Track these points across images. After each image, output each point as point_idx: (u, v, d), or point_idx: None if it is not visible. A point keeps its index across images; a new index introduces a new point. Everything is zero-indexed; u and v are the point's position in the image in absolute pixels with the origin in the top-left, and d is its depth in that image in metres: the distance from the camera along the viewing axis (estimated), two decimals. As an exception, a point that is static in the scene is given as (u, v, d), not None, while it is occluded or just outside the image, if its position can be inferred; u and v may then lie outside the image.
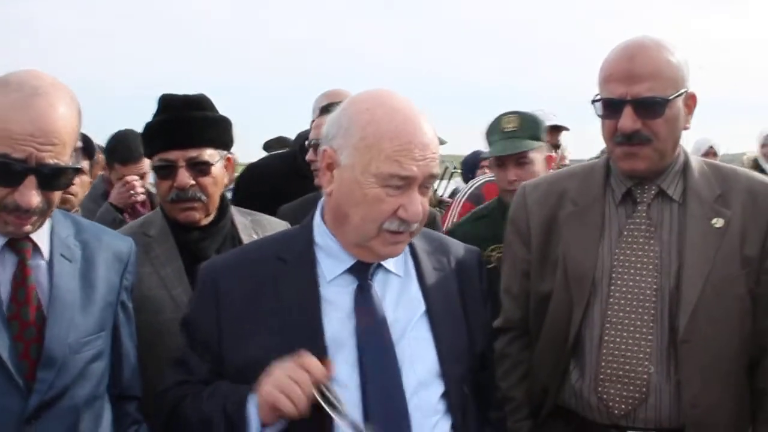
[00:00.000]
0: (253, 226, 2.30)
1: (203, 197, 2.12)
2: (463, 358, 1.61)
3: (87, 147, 2.70)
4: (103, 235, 1.83)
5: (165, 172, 2.13)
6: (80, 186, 2.72)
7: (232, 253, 1.87)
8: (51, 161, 1.53)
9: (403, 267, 1.63)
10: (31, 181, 1.51)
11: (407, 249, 1.64)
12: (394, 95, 1.56)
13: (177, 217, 2.15)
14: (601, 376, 1.81)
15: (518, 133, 2.81)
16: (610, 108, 1.81)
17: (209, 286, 1.63)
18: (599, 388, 1.81)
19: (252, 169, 3.65)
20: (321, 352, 1.49)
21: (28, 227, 1.57)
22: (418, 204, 1.49)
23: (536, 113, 3.02)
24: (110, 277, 1.76)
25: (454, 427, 1.57)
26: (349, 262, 1.58)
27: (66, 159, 1.57)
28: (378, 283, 1.60)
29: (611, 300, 1.82)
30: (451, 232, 2.64)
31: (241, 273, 1.62)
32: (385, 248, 1.54)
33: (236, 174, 3.39)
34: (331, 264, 1.58)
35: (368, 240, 1.53)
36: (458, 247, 1.76)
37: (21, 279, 1.60)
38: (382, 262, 1.60)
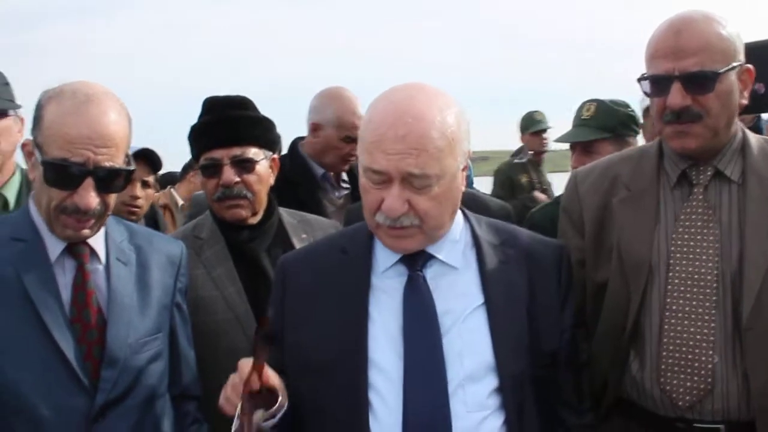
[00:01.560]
0: (302, 226, 2.38)
1: (249, 194, 2.20)
2: (524, 355, 1.58)
3: (153, 160, 2.78)
4: (155, 239, 1.93)
5: (211, 170, 2.22)
6: (145, 199, 2.81)
7: (305, 246, 1.99)
8: (107, 164, 1.64)
9: (460, 259, 1.64)
10: (89, 183, 1.62)
11: (470, 240, 1.66)
12: (406, 88, 1.56)
13: (224, 216, 2.23)
14: (663, 366, 1.80)
15: (590, 122, 2.86)
16: (658, 85, 1.80)
17: (279, 275, 1.73)
18: (662, 379, 1.80)
19: None
20: (363, 340, 1.54)
21: (87, 231, 1.68)
22: (393, 199, 1.48)
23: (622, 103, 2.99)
24: (164, 279, 1.86)
25: (506, 424, 1.54)
26: (397, 255, 1.61)
27: (120, 162, 1.68)
28: (430, 274, 1.61)
29: (670, 287, 1.81)
30: (532, 216, 2.62)
31: (308, 262, 1.71)
32: (387, 241, 1.57)
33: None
34: (385, 255, 1.63)
35: (374, 232, 1.59)
36: (534, 241, 1.72)
37: (81, 283, 1.71)
38: (435, 254, 1.61)
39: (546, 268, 1.67)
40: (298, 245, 2.24)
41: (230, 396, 1.46)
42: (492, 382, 1.55)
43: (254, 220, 2.26)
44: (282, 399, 1.45)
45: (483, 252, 1.64)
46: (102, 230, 1.76)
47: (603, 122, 2.83)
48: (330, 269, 1.66)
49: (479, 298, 1.60)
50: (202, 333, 2.04)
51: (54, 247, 1.69)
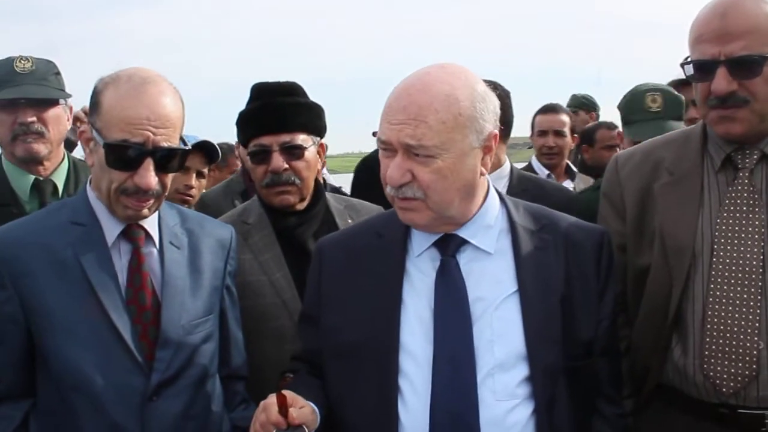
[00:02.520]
0: (348, 212, 2.42)
1: (297, 181, 2.26)
2: (557, 345, 1.58)
3: (209, 152, 2.86)
4: (206, 223, 2.02)
5: (259, 157, 2.28)
6: (198, 189, 2.91)
7: (341, 230, 2.05)
8: (165, 144, 1.73)
9: (495, 244, 1.64)
10: (149, 163, 1.71)
11: (505, 226, 1.67)
12: (431, 66, 1.59)
13: (272, 202, 2.30)
14: (707, 353, 1.80)
15: (662, 114, 2.79)
16: (702, 70, 1.78)
17: (317, 257, 1.79)
18: (705, 365, 1.80)
19: (366, 161, 3.84)
20: (395, 324, 1.58)
21: (146, 210, 1.78)
22: (394, 168, 1.52)
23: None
24: (215, 263, 1.94)
25: (536, 414, 1.55)
26: (434, 237, 1.64)
27: (176, 143, 1.77)
28: (464, 260, 1.63)
29: (714, 273, 1.81)
30: (576, 198, 2.60)
31: (344, 245, 1.76)
32: (399, 213, 1.60)
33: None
34: (420, 239, 1.66)
35: (393, 204, 1.62)
36: (575, 227, 1.71)
37: (136, 266, 1.81)
38: (469, 238, 1.63)
39: (586, 254, 1.66)
40: (345, 231, 2.29)
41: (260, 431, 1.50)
42: (522, 371, 1.56)
43: (301, 206, 2.32)
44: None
45: (519, 238, 1.64)
46: (156, 214, 1.85)
47: (675, 113, 2.77)
48: (365, 252, 1.70)
49: (512, 286, 1.61)
50: (249, 317, 2.12)
51: (111, 230, 1.79)
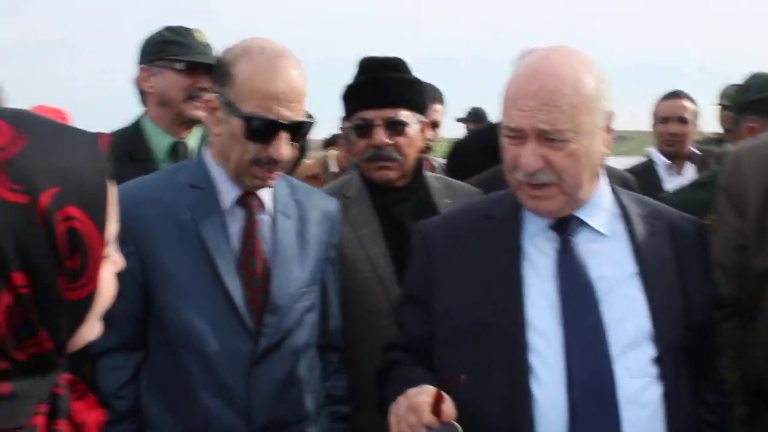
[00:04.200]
0: (447, 191, 2.43)
1: (398, 157, 2.28)
2: (679, 325, 1.61)
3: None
4: (313, 195, 2.07)
5: (362, 130, 2.31)
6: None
7: (444, 214, 2.07)
8: (297, 117, 1.79)
9: (608, 227, 1.67)
10: (284, 136, 1.77)
11: (618, 211, 1.69)
12: (544, 50, 1.62)
13: (372, 176, 2.33)
14: None
15: None
16: None
17: (422, 240, 1.80)
18: None
19: (459, 146, 3.86)
20: (520, 302, 1.59)
21: (273, 180, 1.84)
22: (528, 155, 1.54)
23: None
24: (320, 234, 1.99)
25: (666, 395, 1.57)
26: (546, 218, 1.66)
27: (304, 115, 1.82)
28: (581, 240, 1.65)
29: None
30: (664, 199, 2.56)
31: (451, 228, 1.78)
32: (528, 202, 1.62)
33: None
34: (534, 220, 1.67)
35: (516, 193, 1.64)
36: (673, 215, 1.75)
37: (250, 232, 1.86)
38: (585, 219, 1.65)
39: (689, 243, 1.70)
40: (442, 210, 2.31)
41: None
42: (650, 349, 1.58)
43: (401, 183, 2.34)
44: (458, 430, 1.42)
45: (632, 221, 1.67)
46: None
47: None
48: (477, 235, 1.71)
49: (632, 266, 1.63)
50: (345, 289, 2.16)
51: (227, 196, 1.84)
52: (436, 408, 1.39)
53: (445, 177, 2.56)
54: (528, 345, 1.57)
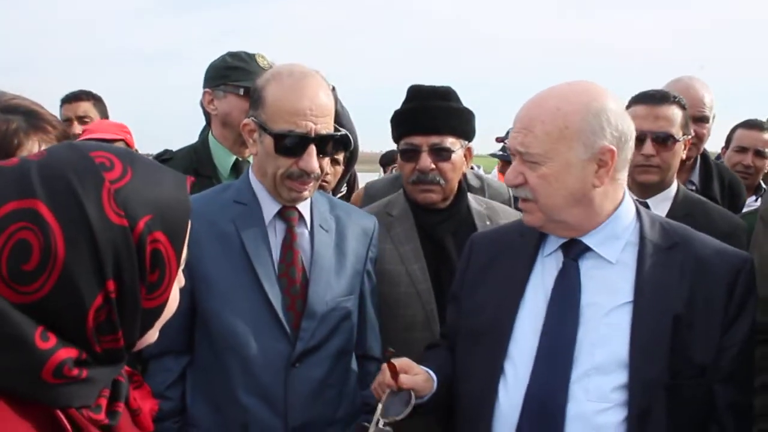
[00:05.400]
0: (488, 213, 2.55)
1: (442, 181, 2.42)
2: (663, 361, 1.63)
3: (343, 141, 3.02)
4: (353, 212, 2.23)
5: (409, 155, 2.45)
6: (333, 176, 3.09)
7: (494, 227, 2.26)
8: (324, 131, 1.95)
9: (618, 255, 1.74)
10: (312, 149, 1.94)
11: (635, 240, 1.75)
12: (560, 83, 1.77)
13: (416, 198, 2.47)
14: None
15: None
16: None
17: (467, 247, 2.02)
18: None
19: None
20: (512, 314, 1.77)
21: (306, 192, 2.00)
22: (509, 171, 1.75)
23: None
24: (358, 248, 2.14)
25: (627, 421, 1.62)
26: (562, 240, 1.78)
27: (332, 129, 1.99)
28: (586, 265, 1.75)
29: None
30: (740, 226, 2.54)
31: (492, 240, 1.99)
32: (522, 216, 1.82)
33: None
34: (552, 241, 1.81)
35: None
36: (711, 250, 1.74)
37: (289, 243, 2.02)
38: (592, 246, 1.74)
39: (716, 279, 1.69)
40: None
41: (377, 389, 1.80)
42: (620, 378, 1.64)
43: (444, 205, 2.48)
44: (413, 400, 1.75)
45: (644, 252, 1.72)
46: (308, 199, 2.05)
47: None
48: (507, 249, 1.89)
49: (628, 296, 1.69)
50: (384, 303, 2.30)
51: (269, 210, 2.01)
52: (394, 376, 1.72)
53: (488, 200, 2.67)
54: (507, 353, 1.74)
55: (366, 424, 1.74)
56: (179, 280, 1.14)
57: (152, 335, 1.13)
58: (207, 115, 2.83)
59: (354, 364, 2.13)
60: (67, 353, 0.97)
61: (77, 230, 0.96)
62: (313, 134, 1.92)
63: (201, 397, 1.98)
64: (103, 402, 1.03)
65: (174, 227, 1.06)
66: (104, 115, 4.13)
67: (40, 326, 0.95)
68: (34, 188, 0.95)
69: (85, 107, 4.10)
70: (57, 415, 0.97)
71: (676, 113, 2.54)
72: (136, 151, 3.52)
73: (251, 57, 2.78)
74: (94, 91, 4.20)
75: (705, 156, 3.35)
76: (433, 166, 2.40)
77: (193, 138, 2.92)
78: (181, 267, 1.11)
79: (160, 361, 2.00)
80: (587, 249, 1.75)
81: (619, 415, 1.63)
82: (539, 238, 1.82)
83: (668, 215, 2.45)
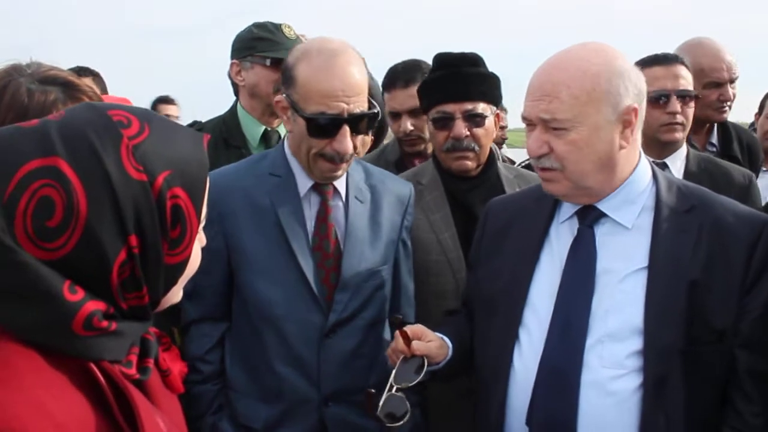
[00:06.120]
0: (518, 181, 2.55)
1: (476, 147, 2.42)
2: (679, 326, 1.61)
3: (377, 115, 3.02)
4: (387, 179, 2.23)
5: (442, 123, 2.44)
6: (362, 145, 3.09)
7: (510, 193, 2.27)
8: (357, 110, 1.92)
9: (634, 220, 1.72)
10: (345, 130, 1.92)
11: (650, 204, 1.72)
12: (572, 46, 1.73)
13: (450, 166, 2.47)
14: None
15: None
16: None
17: (483, 216, 2.03)
18: None
19: None
20: (527, 280, 1.77)
21: (340, 171, 2.01)
22: (532, 140, 1.70)
23: None
24: (393, 217, 2.15)
25: (643, 388, 1.61)
26: (577, 206, 1.77)
27: (365, 106, 1.96)
28: (601, 231, 1.73)
29: None
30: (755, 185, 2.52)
31: (508, 206, 1.98)
32: (543, 184, 1.76)
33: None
34: (566, 207, 1.80)
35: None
36: (731, 213, 1.70)
37: (323, 216, 2.05)
38: (608, 212, 1.72)
39: (736, 242, 1.65)
40: (510, 199, 2.41)
41: (391, 355, 1.83)
42: (635, 344, 1.63)
43: (475, 172, 2.48)
44: (425, 366, 1.77)
45: (660, 217, 1.70)
46: None
47: None
48: (523, 214, 1.89)
49: (643, 262, 1.67)
50: (415, 271, 2.31)
51: (303, 183, 2.02)
52: (406, 342, 1.76)
53: (517, 168, 2.66)
54: (522, 320, 1.75)
55: (373, 390, 1.77)
56: (200, 239, 1.15)
57: (176, 293, 1.15)
58: (235, 86, 2.85)
59: (386, 333, 2.15)
60: (96, 305, 0.99)
61: (98, 186, 0.97)
62: (345, 114, 1.90)
63: (239, 364, 2.04)
64: (134, 358, 1.05)
65: (193, 183, 1.06)
66: (104, 91, 4.18)
67: (68, 280, 0.97)
68: (55, 147, 0.97)
69: (87, 83, 4.13)
70: (90, 368, 0.99)
71: (687, 73, 2.69)
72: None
73: (277, 27, 2.79)
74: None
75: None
76: (468, 132, 2.39)
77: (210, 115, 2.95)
78: (202, 224, 1.12)
79: (198, 327, 2.05)
80: (602, 215, 1.73)
81: (635, 381, 1.62)
82: (553, 204, 1.82)
83: (685, 172, 2.55)
